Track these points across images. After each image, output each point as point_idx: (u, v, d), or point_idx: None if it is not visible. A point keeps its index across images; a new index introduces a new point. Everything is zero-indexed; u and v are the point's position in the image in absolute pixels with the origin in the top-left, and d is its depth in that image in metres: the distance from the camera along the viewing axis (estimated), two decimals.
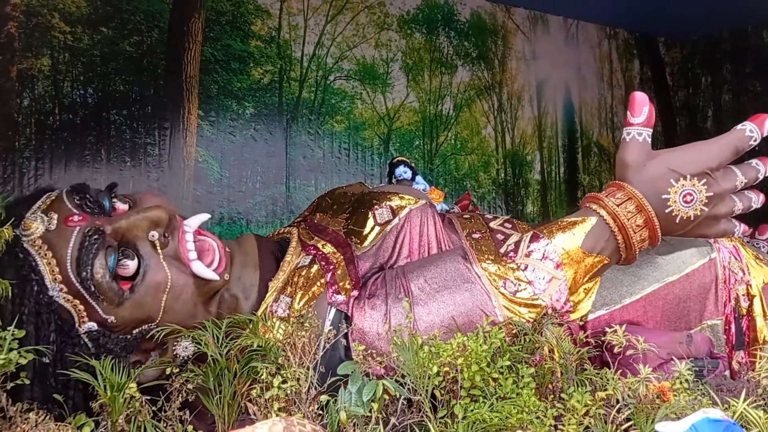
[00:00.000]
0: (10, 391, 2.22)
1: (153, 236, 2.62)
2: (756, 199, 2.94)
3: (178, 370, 2.50)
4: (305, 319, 2.60)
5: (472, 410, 2.27)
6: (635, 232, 2.75)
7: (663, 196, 2.73)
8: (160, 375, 2.57)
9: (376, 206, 3.15)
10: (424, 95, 5.80)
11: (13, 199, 2.68)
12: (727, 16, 6.44)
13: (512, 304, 2.64)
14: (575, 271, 2.74)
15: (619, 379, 2.41)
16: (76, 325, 2.49)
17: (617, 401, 2.35)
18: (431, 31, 5.91)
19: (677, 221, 2.76)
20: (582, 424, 2.26)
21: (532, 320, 2.66)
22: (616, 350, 2.53)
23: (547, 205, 6.37)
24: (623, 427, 2.28)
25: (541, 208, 6.32)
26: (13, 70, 4.17)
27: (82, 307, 2.49)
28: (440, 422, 2.33)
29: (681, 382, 2.38)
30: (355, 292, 2.79)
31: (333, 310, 2.75)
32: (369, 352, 2.58)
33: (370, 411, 2.27)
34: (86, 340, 2.51)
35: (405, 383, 2.39)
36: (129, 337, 2.60)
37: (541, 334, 2.60)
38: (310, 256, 2.99)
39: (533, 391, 2.33)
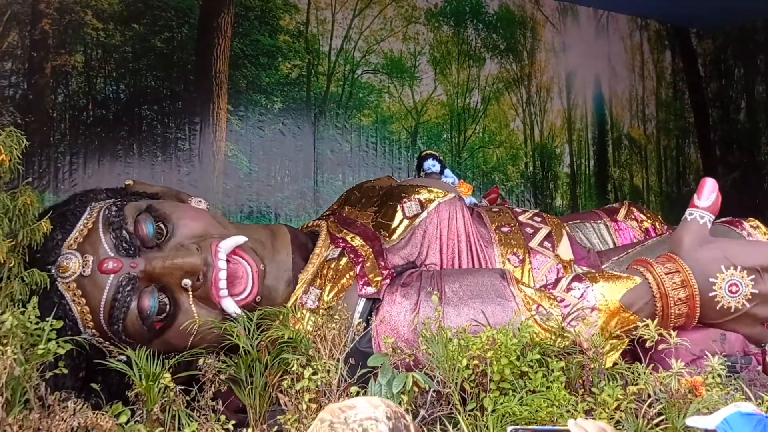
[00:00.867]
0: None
1: (186, 284, 2.65)
2: None
3: (211, 360, 2.53)
4: (335, 311, 2.63)
5: (501, 403, 2.27)
6: (675, 304, 2.80)
7: (710, 279, 2.79)
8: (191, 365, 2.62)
9: (404, 199, 3.16)
10: (451, 88, 5.78)
11: (51, 198, 2.73)
12: (761, 5, 6.31)
13: (540, 330, 2.63)
14: (607, 321, 2.76)
15: (650, 373, 2.40)
16: (107, 357, 2.56)
17: (649, 396, 2.33)
18: (459, 24, 5.89)
19: (717, 308, 2.82)
20: (613, 418, 2.25)
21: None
22: (647, 345, 2.52)
23: (577, 198, 6.31)
24: (654, 421, 2.26)
25: (570, 202, 6.27)
26: (47, 67, 4.25)
27: (112, 347, 2.58)
28: (469, 415, 2.33)
29: (714, 377, 2.36)
30: (386, 281, 2.81)
31: (362, 302, 2.78)
32: (395, 340, 2.60)
33: (400, 403, 2.28)
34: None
35: (434, 376, 2.40)
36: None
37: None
38: (339, 249, 3.01)
39: (563, 384, 2.32)
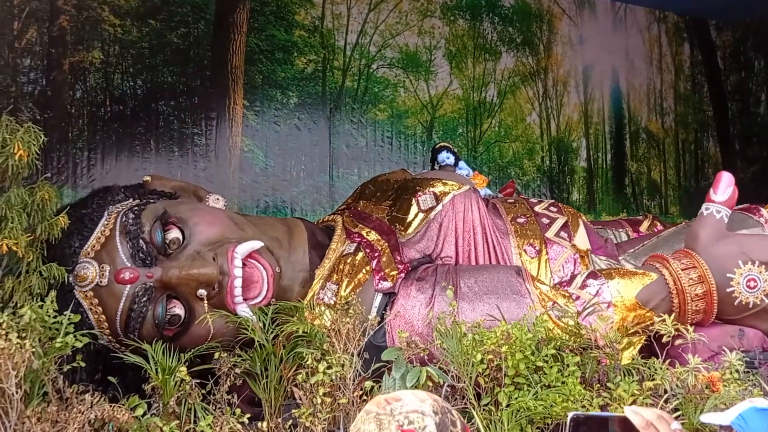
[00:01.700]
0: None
1: (201, 294, 2.66)
2: None
3: (226, 354, 2.55)
4: (351, 305, 2.63)
5: (516, 398, 2.27)
6: (692, 300, 2.78)
7: (728, 275, 2.77)
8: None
9: (419, 192, 3.15)
10: (467, 82, 5.76)
11: (70, 193, 2.75)
12: None
13: (555, 327, 2.62)
14: (623, 318, 2.74)
15: (667, 369, 2.38)
16: (123, 358, 2.57)
17: (665, 391, 2.31)
18: (475, 17, 5.85)
19: (735, 303, 2.79)
20: None
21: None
22: (664, 340, 2.50)
23: (593, 192, 6.26)
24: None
25: (587, 196, 6.22)
26: (65, 63, 4.29)
27: (127, 351, 2.58)
28: (484, 410, 2.33)
29: (731, 373, 2.34)
30: (402, 275, 2.81)
31: (379, 297, 2.78)
32: (409, 335, 2.60)
33: None
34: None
35: (448, 370, 2.40)
36: None
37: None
38: (355, 244, 3.01)
39: (578, 379, 2.31)
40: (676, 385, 2.31)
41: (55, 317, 2.25)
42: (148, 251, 2.64)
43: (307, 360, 2.42)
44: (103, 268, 2.60)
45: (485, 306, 2.67)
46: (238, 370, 2.49)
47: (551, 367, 2.33)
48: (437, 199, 3.11)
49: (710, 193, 2.88)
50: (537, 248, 3.13)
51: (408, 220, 3.09)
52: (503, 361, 2.35)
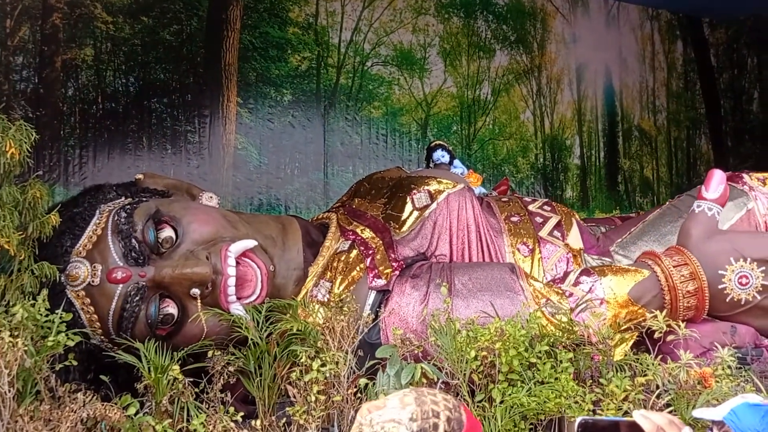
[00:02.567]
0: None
1: (195, 293, 2.64)
2: None
3: (220, 353, 2.55)
4: (345, 303, 2.63)
5: (510, 394, 2.27)
6: (684, 297, 2.80)
7: (719, 272, 2.79)
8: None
9: (414, 191, 3.15)
10: (461, 80, 5.76)
11: (62, 191, 2.73)
12: None
13: (549, 324, 2.63)
14: (616, 314, 2.76)
15: (659, 364, 2.39)
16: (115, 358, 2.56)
17: (657, 387, 2.32)
18: (469, 15, 5.86)
19: (726, 300, 2.82)
20: (621, 409, 2.25)
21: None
22: (656, 336, 2.51)
23: (587, 190, 6.28)
24: (663, 412, 2.25)
25: (581, 193, 6.24)
26: (57, 60, 4.27)
27: (119, 350, 2.56)
28: (478, 406, 2.33)
29: (723, 369, 2.35)
30: (396, 272, 2.81)
31: (372, 294, 2.78)
32: (404, 332, 2.60)
33: None
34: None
35: (443, 367, 2.40)
36: None
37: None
38: (349, 241, 3.01)
39: (571, 375, 2.31)
40: (668, 381, 2.32)
41: (47, 316, 2.24)
42: (140, 250, 2.62)
43: (301, 358, 2.42)
44: (95, 267, 2.57)
45: (479, 303, 2.68)
46: (231, 369, 2.48)
47: (545, 364, 2.33)
48: (432, 197, 3.11)
49: (702, 190, 2.89)
50: (530, 247, 3.14)
51: (403, 218, 3.09)
52: (497, 357, 2.35)
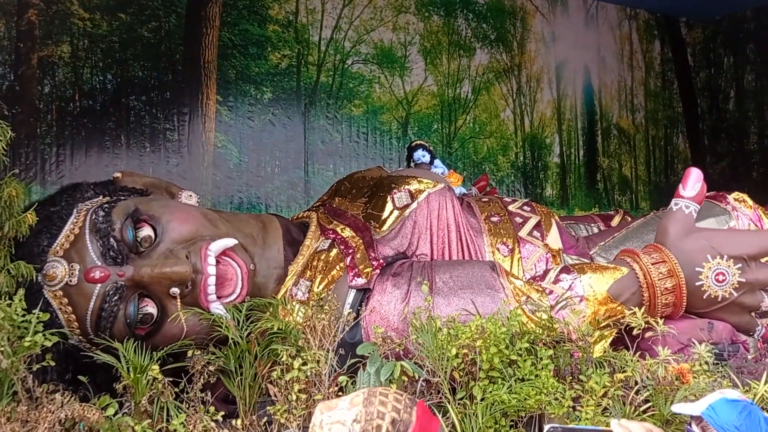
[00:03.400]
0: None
1: (174, 292, 2.61)
2: None
3: (200, 352, 2.53)
4: (325, 302, 2.62)
5: (490, 392, 2.28)
6: (662, 294, 2.82)
7: (696, 269, 2.82)
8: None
9: (394, 190, 3.15)
10: (442, 78, 5.77)
11: (38, 190, 2.71)
12: None
13: (529, 321, 2.64)
14: (595, 311, 2.78)
15: (638, 361, 2.41)
16: (93, 358, 2.52)
17: (636, 383, 2.34)
18: (449, 14, 5.87)
19: (704, 297, 2.84)
20: (600, 405, 2.26)
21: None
22: (635, 333, 2.53)
23: (567, 188, 6.33)
24: (642, 408, 2.28)
25: (560, 191, 6.28)
26: (34, 57, 4.21)
27: (99, 350, 2.53)
28: (459, 403, 2.34)
29: (701, 365, 2.38)
30: (377, 271, 2.81)
31: (352, 293, 2.78)
32: (385, 330, 2.61)
33: None
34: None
35: (424, 365, 2.41)
36: None
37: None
38: (329, 240, 3.01)
39: (551, 372, 2.33)
40: (647, 377, 2.34)
41: (23, 316, 2.21)
42: (119, 249, 2.59)
43: (282, 357, 2.41)
44: (72, 267, 2.54)
45: (460, 301, 2.68)
46: (212, 368, 2.46)
47: (525, 361, 2.34)
48: (412, 196, 3.11)
49: (679, 188, 2.92)
50: (510, 247, 3.16)
51: (383, 218, 3.09)
52: (478, 355, 2.36)
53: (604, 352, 2.64)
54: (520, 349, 2.38)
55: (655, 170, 6.88)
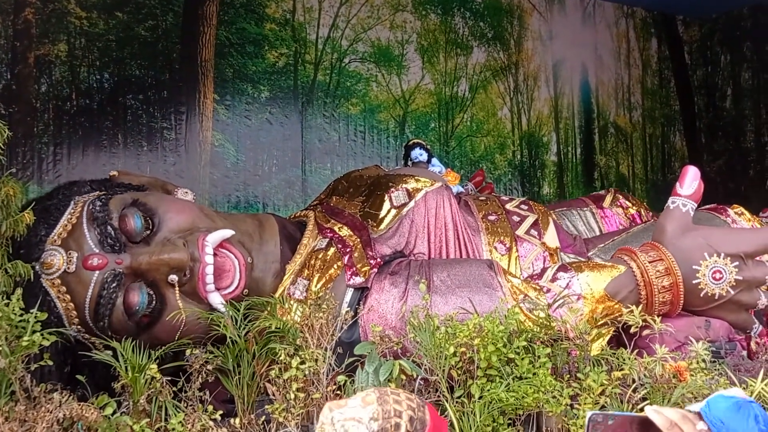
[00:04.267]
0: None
1: (173, 279, 2.62)
2: None
3: (198, 351, 2.53)
4: (322, 301, 2.63)
5: (488, 390, 2.29)
6: (659, 292, 2.82)
7: (693, 267, 2.82)
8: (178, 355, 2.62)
9: (392, 189, 3.15)
10: (439, 77, 5.77)
11: (36, 189, 2.72)
12: None
13: (527, 319, 2.65)
14: (593, 310, 2.78)
15: (635, 359, 2.42)
16: (92, 350, 2.53)
17: (633, 381, 2.35)
18: (446, 12, 5.87)
19: (701, 295, 2.84)
20: (598, 403, 2.27)
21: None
22: (632, 331, 2.53)
23: (564, 186, 6.33)
24: (639, 406, 2.28)
25: (558, 190, 6.29)
26: (30, 56, 4.21)
27: (98, 342, 2.55)
28: (457, 402, 2.35)
29: (698, 362, 2.38)
30: (374, 270, 2.82)
31: (350, 292, 2.78)
32: (383, 329, 2.61)
33: None
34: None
35: (422, 363, 2.41)
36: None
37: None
38: (327, 239, 3.01)
39: (549, 370, 2.33)
40: (644, 375, 2.35)
41: (21, 315, 2.21)
42: (116, 237, 2.60)
43: (280, 355, 2.41)
44: (70, 254, 2.54)
45: (458, 299, 2.69)
46: (210, 367, 2.47)
47: (523, 359, 2.35)
48: (410, 195, 3.12)
49: (676, 187, 2.93)
50: (507, 246, 3.17)
51: (380, 216, 3.09)
52: (476, 353, 2.37)
53: (602, 350, 2.65)
54: (518, 347, 2.38)
55: (652, 168, 6.89)
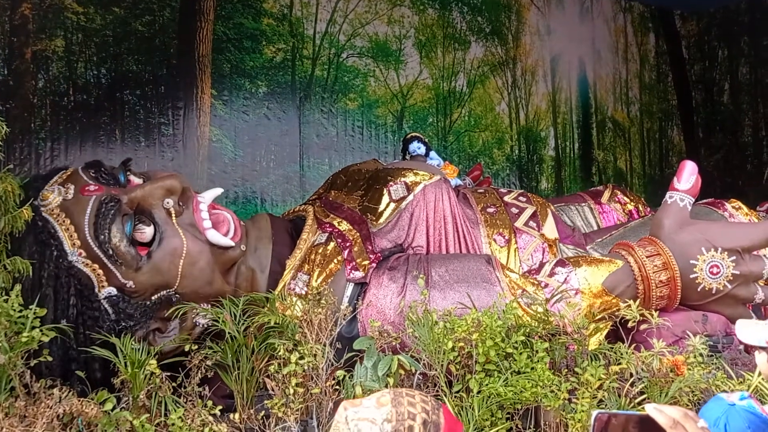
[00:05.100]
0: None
1: (168, 204, 2.68)
2: None
3: (197, 347, 2.53)
4: (323, 296, 2.63)
5: (486, 385, 2.29)
6: (656, 287, 2.85)
7: (691, 261, 2.84)
8: (178, 348, 2.62)
9: (390, 182, 3.16)
10: (437, 72, 5.77)
11: (30, 178, 2.75)
12: None
13: (525, 314, 2.66)
14: (591, 304, 2.81)
15: (633, 353, 2.42)
16: (96, 290, 2.54)
17: (631, 375, 2.36)
18: (444, 7, 5.86)
19: (698, 289, 2.87)
20: (596, 397, 2.28)
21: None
22: (630, 325, 2.54)
23: (561, 181, 6.34)
24: (637, 400, 2.30)
25: (555, 185, 6.29)
26: (27, 52, 4.19)
27: (101, 272, 2.55)
28: (455, 396, 2.35)
29: (695, 357, 2.39)
30: (373, 265, 2.82)
31: (350, 287, 2.79)
32: (382, 324, 2.62)
33: (386, 385, 2.30)
34: (106, 305, 2.56)
35: (420, 358, 2.42)
36: (148, 303, 2.65)
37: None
38: (327, 234, 3.01)
39: (547, 365, 2.34)
40: (642, 369, 2.36)
41: (20, 311, 2.21)
42: (112, 174, 2.70)
43: (279, 351, 2.42)
44: (67, 187, 2.62)
45: (456, 294, 2.70)
46: (209, 362, 2.47)
47: (521, 354, 2.36)
48: (408, 189, 3.12)
49: (674, 181, 2.94)
50: (506, 237, 3.17)
51: (379, 210, 3.10)
52: (474, 348, 2.37)
53: (600, 344, 2.66)
54: (516, 342, 2.39)
55: (650, 163, 6.90)
